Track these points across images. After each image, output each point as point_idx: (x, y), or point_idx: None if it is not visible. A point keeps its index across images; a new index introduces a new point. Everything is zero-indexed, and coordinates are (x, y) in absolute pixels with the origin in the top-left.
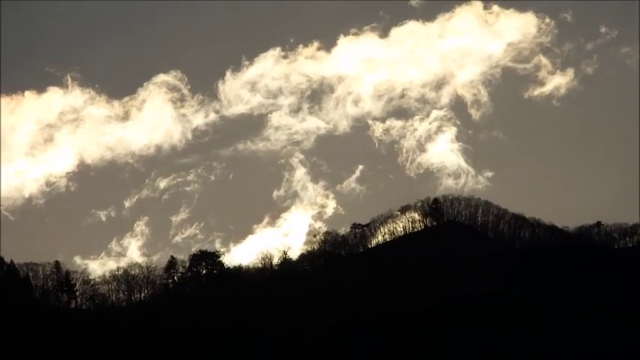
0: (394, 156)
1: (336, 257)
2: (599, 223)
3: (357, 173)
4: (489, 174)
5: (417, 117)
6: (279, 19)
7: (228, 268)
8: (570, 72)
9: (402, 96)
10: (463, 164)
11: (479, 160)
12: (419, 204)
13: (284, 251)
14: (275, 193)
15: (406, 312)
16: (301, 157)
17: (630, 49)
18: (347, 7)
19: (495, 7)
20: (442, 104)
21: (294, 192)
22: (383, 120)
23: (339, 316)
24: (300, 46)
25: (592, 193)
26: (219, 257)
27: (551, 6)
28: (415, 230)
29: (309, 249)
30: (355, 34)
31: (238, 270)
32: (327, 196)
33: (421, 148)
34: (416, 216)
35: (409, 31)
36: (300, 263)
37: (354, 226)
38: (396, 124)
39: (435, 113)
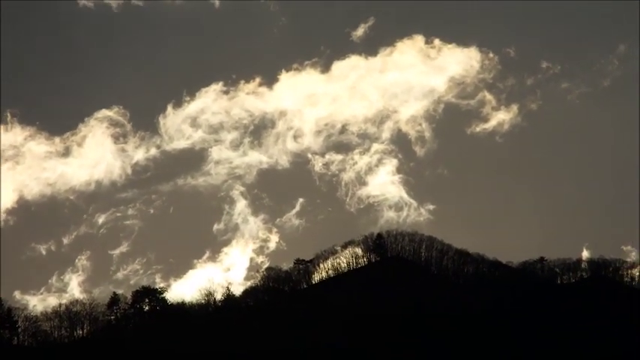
0: (334, 190)
1: (279, 293)
2: (542, 259)
3: (298, 207)
4: (431, 207)
5: (357, 150)
6: (221, 55)
7: (171, 304)
8: (514, 108)
9: (343, 131)
10: (405, 196)
11: (421, 193)
12: (362, 239)
13: (227, 287)
14: (215, 226)
15: (350, 348)
16: (242, 189)
17: (570, 85)
18: (289, 42)
19: (437, 42)
20: (383, 139)
21: (235, 225)
22: (323, 154)
23: (283, 350)
24: (242, 81)
25: (535, 229)
26: (162, 293)
27: (494, 41)
28: (359, 266)
29: (252, 284)
30: (297, 69)
31: (181, 306)
32: (269, 230)
33: (361, 181)
34: (359, 251)
35: (351, 66)
36: (243, 299)
37: (298, 261)
38: (335, 157)
39: (375, 147)
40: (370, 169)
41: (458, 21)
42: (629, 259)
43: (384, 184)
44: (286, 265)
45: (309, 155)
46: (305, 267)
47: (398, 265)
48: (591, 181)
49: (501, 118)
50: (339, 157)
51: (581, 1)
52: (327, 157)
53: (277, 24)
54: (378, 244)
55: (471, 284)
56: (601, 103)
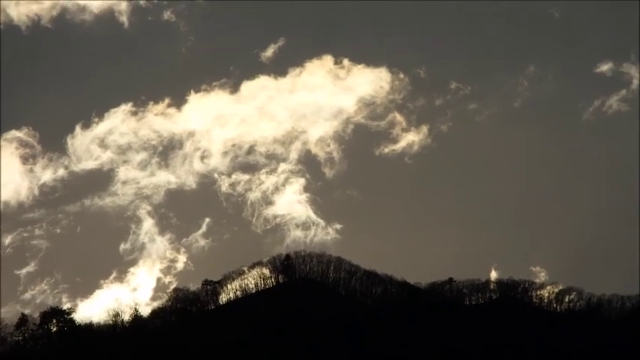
0: (241, 210)
1: (187, 314)
2: (451, 279)
3: (204, 227)
4: (338, 226)
5: (264, 170)
6: (131, 76)
7: (79, 325)
8: (424, 129)
9: (251, 151)
10: (312, 216)
11: (329, 212)
12: (270, 260)
13: (135, 308)
14: (122, 246)
15: None
16: (149, 208)
17: (480, 105)
18: (198, 62)
19: (346, 62)
20: (291, 159)
21: (142, 245)
22: (230, 175)
23: None
24: (151, 102)
25: (444, 250)
26: (70, 314)
27: (404, 61)
28: (267, 287)
29: (160, 305)
30: (205, 90)
31: (89, 327)
32: (177, 250)
33: (267, 200)
34: (267, 272)
35: (260, 86)
36: (151, 320)
37: (206, 282)
38: (242, 177)
39: (282, 166)
40: (277, 189)
41: (368, 41)
42: (537, 280)
43: (290, 203)
44: (194, 286)
45: (216, 175)
46: (213, 288)
47: (306, 285)
48: (500, 202)
49: (411, 139)
50: (246, 177)
51: (492, 23)
52: (234, 177)
53: (186, 44)
54: (286, 265)
55: (379, 305)
56: (511, 123)
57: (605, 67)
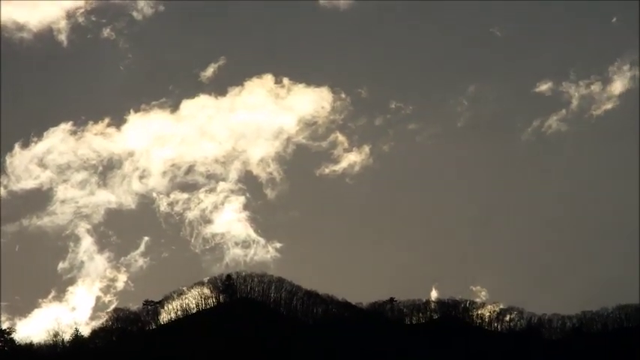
0: (179, 229)
1: (128, 334)
2: (392, 299)
3: (142, 247)
4: (278, 245)
5: (203, 189)
6: (71, 95)
7: (19, 345)
8: (366, 149)
9: (191, 171)
10: (252, 234)
11: (269, 232)
12: (211, 280)
13: (75, 328)
14: (60, 265)
15: None
16: (88, 227)
17: (421, 125)
18: (137, 81)
19: (286, 81)
20: (231, 178)
21: (81, 263)
22: (168, 194)
23: None
24: (91, 122)
25: (385, 270)
26: (10, 334)
27: (346, 80)
28: (208, 307)
29: (101, 325)
30: (145, 109)
31: (30, 347)
32: (117, 269)
33: (206, 219)
34: (208, 292)
35: (200, 106)
36: (92, 340)
37: (147, 302)
38: (181, 197)
39: (222, 185)
40: (216, 208)
41: (309, 60)
42: (478, 300)
43: (230, 221)
44: (134, 305)
45: (155, 195)
46: (154, 308)
47: (247, 306)
48: (441, 222)
49: (352, 159)
50: (185, 196)
51: (433, 42)
52: (172, 196)
53: (125, 63)
54: (227, 285)
55: (320, 325)
56: (452, 143)
57: (544, 87)
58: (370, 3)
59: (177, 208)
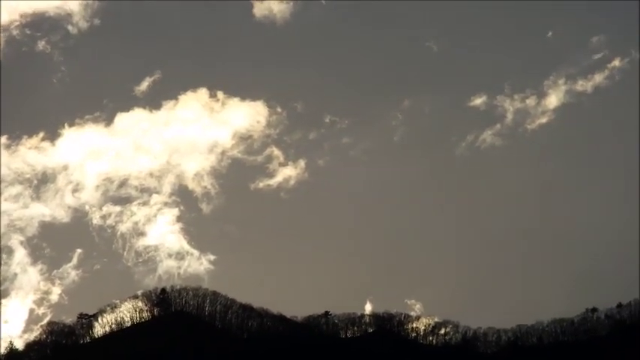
0: (111, 241)
1: (62, 347)
2: (326, 313)
3: (75, 260)
4: (212, 257)
5: (136, 202)
6: (5, 109)
7: None
8: (301, 163)
9: (124, 184)
10: (186, 246)
11: (203, 244)
12: (146, 293)
13: (10, 341)
14: None
15: None
16: (22, 238)
17: (354, 139)
18: (72, 95)
19: (221, 95)
20: (165, 191)
21: (14, 275)
22: (101, 207)
23: None
24: (25, 136)
25: (320, 283)
26: None
27: (282, 94)
28: (142, 320)
29: (35, 338)
30: (79, 123)
31: None
32: (52, 282)
33: (139, 231)
34: (143, 305)
35: (134, 120)
36: (26, 353)
37: (81, 315)
38: (113, 209)
39: (155, 198)
40: (149, 220)
41: (244, 74)
42: (413, 313)
43: (163, 234)
44: (68, 318)
45: (87, 208)
46: (88, 321)
47: (181, 319)
48: (376, 236)
49: (288, 173)
50: (118, 208)
51: (369, 55)
52: (105, 209)
53: (60, 76)
54: (162, 299)
55: (255, 338)
56: (386, 157)
57: (479, 101)
58: (306, 18)
59: (110, 221)
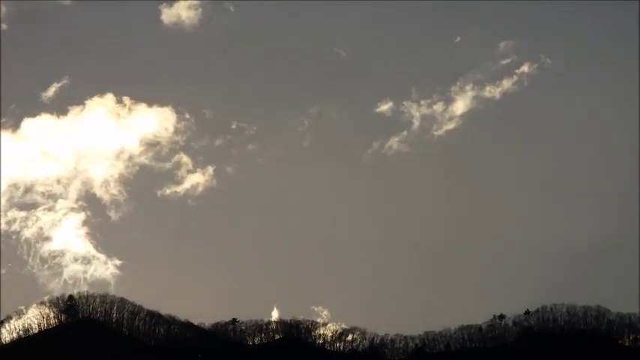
0: (15, 247)
1: None
2: (234, 320)
3: None
4: (118, 262)
5: (41, 208)
6: None
7: None
8: (210, 169)
9: (30, 190)
10: (92, 250)
11: (109, 248)
12: (53, 300)
13: None
14: None
15: None
16: None
17: (262, 146)
18: None
19: (127, 100)
20: (71, 197)
21: None
22: (6, 212)
23: None
24: None
25: (227, 290)
26: None
27: (190, 101)
28: (50, 327)
29: None
30: None
31: None
32: None
33: (44, 236)
34: (50, 312)
35: (41, 126)
36: None
37: None
38: (18, 215)
39: (61, 203)
40: (54, 225)
41: (151, 80)
42: (320, 319)
43: (69, 238)
44: None
45: None
46: None
47: (89, 326)
48: (282, 243)
49: (196, 180)
50: (22, 214)
51: (277, 62)
52: (10, 214)
53: None
54: (70, 305)
55: (162, 345)
56: (293, 164)
57: (385, 107)
58: (214, 25)
59: (15, 227)
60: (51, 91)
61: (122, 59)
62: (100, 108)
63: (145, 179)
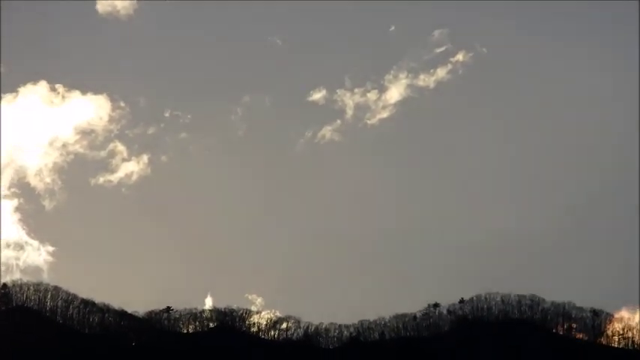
0: None
1: None
2: (168, 308)
3: None
4: (51, 248)
5: None
6: None
7: None
8: (144, 158)
9: None
10: (25, 236)
11: (42, 235)
12: None
13: None
14: None
15: None
16: None
17: (193, 135)
18: None
19: (61, 88)
20: (4, 185)
21: None
22: None
23: None
24: None
25: (161, 279)
26: None
27: (125, 89)
28: None
29: None
30: None
31: None
32: None
33: None
34: None
35: None
36: None
37: None
38: None
39: None
40: None
41: (86, 69)
42: (254, 307)
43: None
44: None
45: None
46: None
47: (23, 314)
48: (215, 231)
49: (130, 169)
50: None
51: (211, 51)
52: None
53: None
54: (3, 294)
55: (96, 333)
56: (226, 153)
57: (318, 95)
58: (149, 13)
59: None
60: None
61: (56, 48)
62: (34, 96)
63: (79, 168)
